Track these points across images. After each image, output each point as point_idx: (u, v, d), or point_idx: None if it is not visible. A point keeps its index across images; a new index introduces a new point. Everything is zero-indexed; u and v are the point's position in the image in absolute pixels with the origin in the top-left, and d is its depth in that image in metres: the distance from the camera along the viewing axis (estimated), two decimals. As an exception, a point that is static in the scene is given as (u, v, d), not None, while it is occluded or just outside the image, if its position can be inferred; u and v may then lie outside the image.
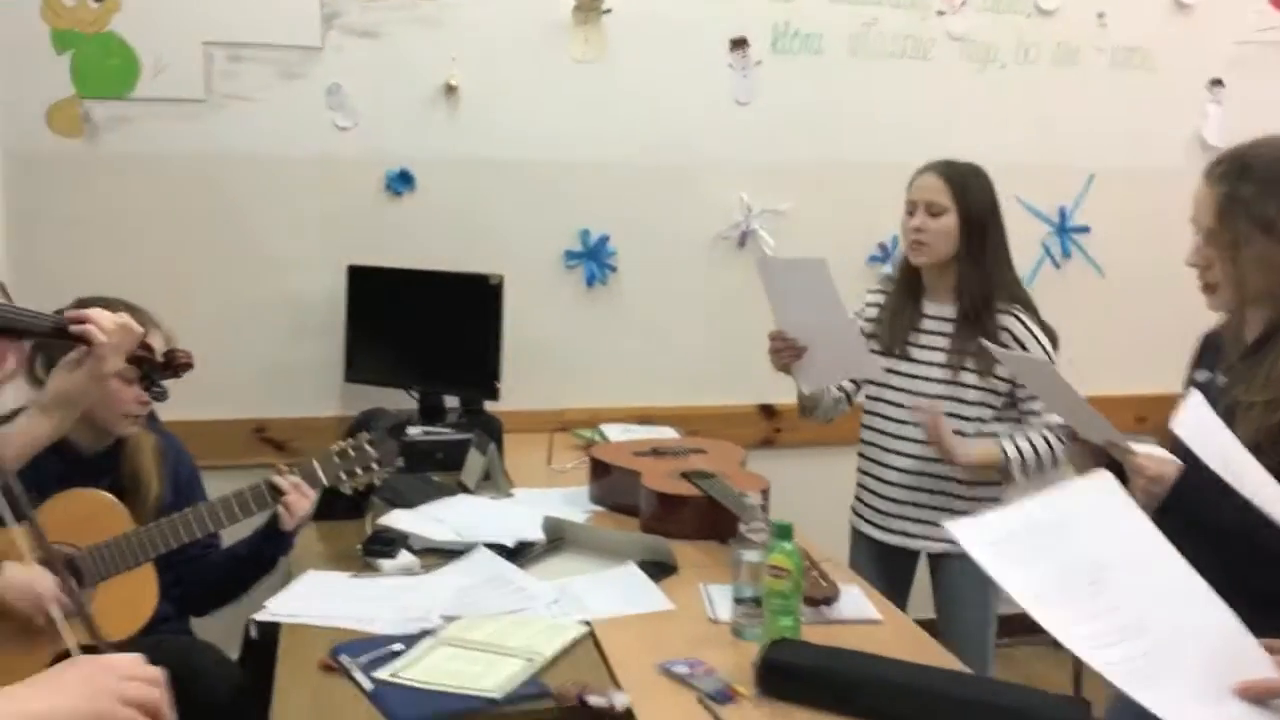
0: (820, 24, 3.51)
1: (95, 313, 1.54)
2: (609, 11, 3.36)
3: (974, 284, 2.53)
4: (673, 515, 2.45)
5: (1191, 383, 1.88)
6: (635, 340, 3.53)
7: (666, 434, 3.20)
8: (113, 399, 2.11)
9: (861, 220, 3.60)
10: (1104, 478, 1.44)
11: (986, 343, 2.45)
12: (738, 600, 1.92)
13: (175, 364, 1.71)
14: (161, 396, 1.70)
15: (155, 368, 1.67)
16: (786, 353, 2.55)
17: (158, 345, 1.94)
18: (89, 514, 2.11)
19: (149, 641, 2.11)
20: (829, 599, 2.00)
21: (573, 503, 2.68)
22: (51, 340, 1.57)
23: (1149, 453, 1.75)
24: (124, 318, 1.55)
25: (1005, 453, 2.48)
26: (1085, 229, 3.77)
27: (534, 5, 3.33)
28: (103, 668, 1.04)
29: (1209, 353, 1.91)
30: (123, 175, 3.14)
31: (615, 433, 3.21)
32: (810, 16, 3.50)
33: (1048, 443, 2.50)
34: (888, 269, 3.63)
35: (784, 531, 1.82)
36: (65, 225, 3.11)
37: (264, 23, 3.16)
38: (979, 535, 1.43)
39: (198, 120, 3.16)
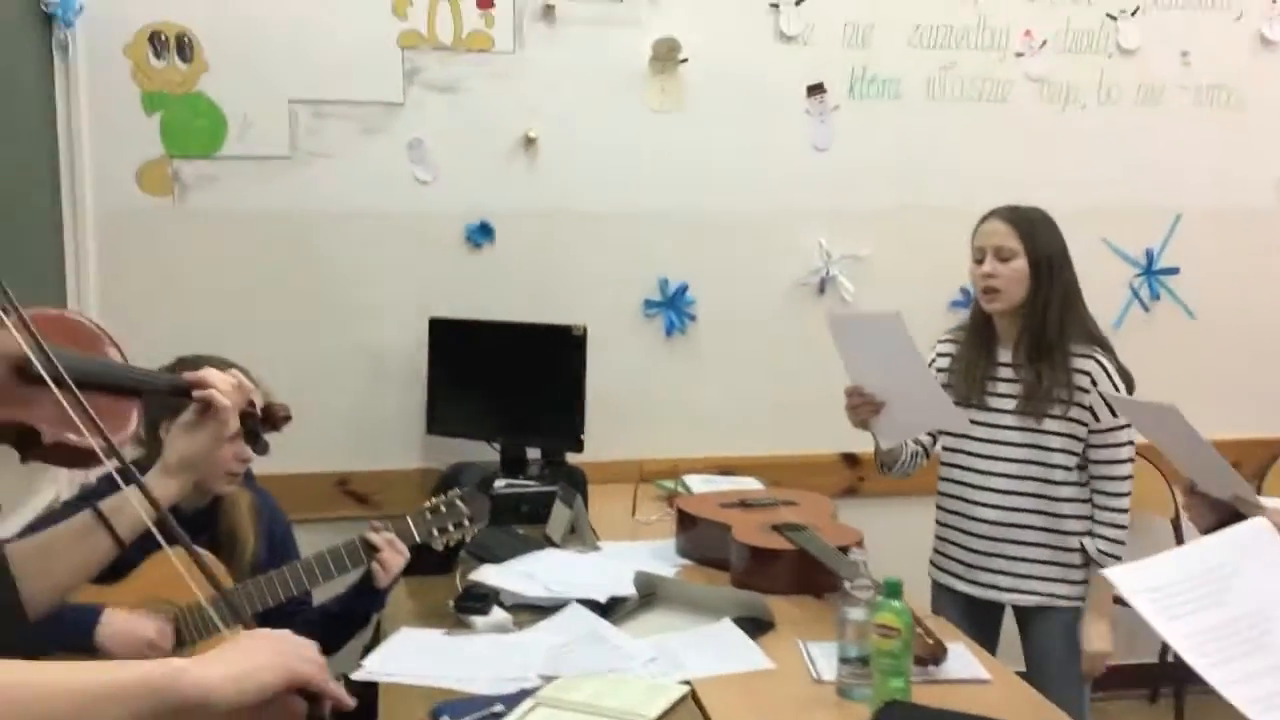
0: (897, 69, 3.49)
1: (211, 374, 1.54)
2: (685, 61, 3.37)
3: (1048, 328, 2.49)
4: (765, 569, 2.41)
5: None
6: (715, 389, 3.50)
7: (749, 484, 3.15)
8: (215, 458, 2.11)
9: (943, 264, 3.53)
10: (1263, 525, 1.39)
11: (1106, 392, 2.41)
12: (843, 660, 1.87)
13: (276, 419, 1.71)
14: (264, 451, 1.70)
15: (259, 423, 1.67)
16: (864, 408, 2.51)
17: (257, 400, 1.95)
18: (187, 572, 2.11)
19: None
20: (936, 658, 1.94)
21: (660, 556, 2.64)
22: (166, 401, 1.58)
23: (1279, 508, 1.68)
24: (239, 377, 1.56)
25: (1104, 573, 2.39)
26: (1174, 270, 3.69)
27: (611, 56, 3.35)
28: (281, 637, 1.09)
29: None
30: (210, 231, 3.19)
31: (698, 483, 3.17)
32: (887, 62, 3.48)
33: (1117, 525, 2.49)
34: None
35: (893, 589, 1.77)
36: (155, 281, 3.16)
37: (347, 80, 3.21)
38: (1138, 582, 1.38)
39: (283, 176, 3.21)
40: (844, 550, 2.30)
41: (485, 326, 3.21)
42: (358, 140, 3.24)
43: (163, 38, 3.10)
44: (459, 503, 2.30)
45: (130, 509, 1.41)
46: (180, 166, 3.15)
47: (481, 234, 3.32)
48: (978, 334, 2.63)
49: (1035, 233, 2.51)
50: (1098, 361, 2.48)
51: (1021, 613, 2.60)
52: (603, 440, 3.28)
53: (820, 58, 3.45)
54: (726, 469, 3.39)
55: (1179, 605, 1.34)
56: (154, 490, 1.33)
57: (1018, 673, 2.15)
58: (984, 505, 2.58)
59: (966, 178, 3.53)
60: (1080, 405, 2.48)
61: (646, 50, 3.34)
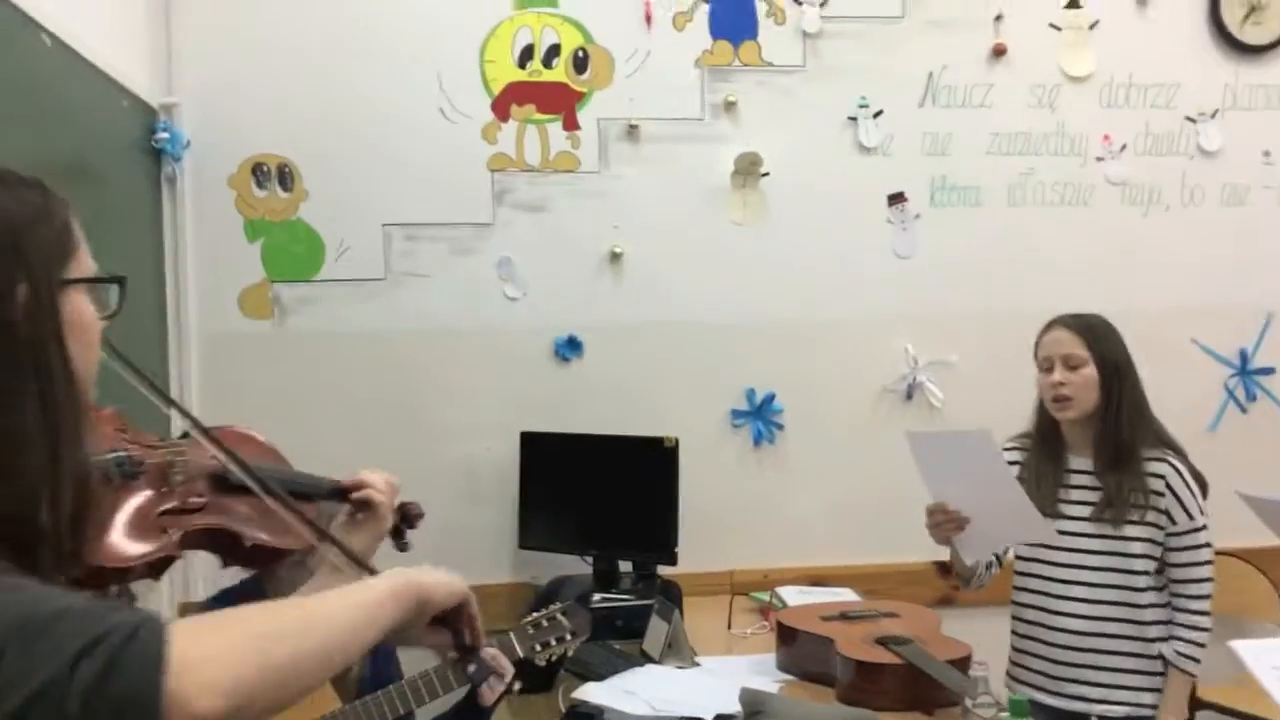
0: (977, 176, 3.53)
1: (367, 474, 1.58)
2: (767, 174, 3.43)
3: (1122, 432, 2.48)
4: (872, 684, 2.35)
5: None
6: (804, 498, 3.48)
7: (844, 595, 3.10)
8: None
9: (1030, 369, 3.50)
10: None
11: (1242, 492, 2.35)
12: (967, 780, 1.82)
13: (412, 516, 1.73)
14: (406, 549, 1.73)
15: (401, 521, 1.69)
16: (948, 525, 2.49)
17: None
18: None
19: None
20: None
21: (761, 671, 2.60)
22: (325, 505, 1.60)
23: None
24: (392, 477, 1.59)
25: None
26: (1270, 370, 3.62)
27: (693, 172, 3.42)
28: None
29: None
30: (308, 352, 3.27)
31: (792, 595, 3.13)
32: (967, 169, 3.52)
33: (1198, 628, 2.45)
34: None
35: (1019, 707, 1.73)
36: (255, 400, 3.23)
37: (439, 203, 3.31)
38: (1267, 658, 1.35)
39: (377, 298, 3.29)
40: (956, 664, 2.26)
41: (575, 439, 3.24)
42: (449, 260, 3.33)
43: (265, 168, 3.24)
44: (560, 617, 2.29)
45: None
46: (280, 290, 3.25)
47: (570, 348, 3.37)
48: (1046, 442, 2.63)
49: (1101, 339, 2.54)
50: (1170, 464, 2.48)
51: None
52: (693, 551, 3.25)
53: (900, 167, 3.50)
54: (818, 579, 3.34)
55: None
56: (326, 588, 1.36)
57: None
58: (1067, 615, 2.54)
59: (1051, 281, 3.52)
60: (1156, 509, 2.47)
61: (728, 165, 3.41)
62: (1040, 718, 2.56)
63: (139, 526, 1.27)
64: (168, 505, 1.31)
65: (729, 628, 2.99)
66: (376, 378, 3.30)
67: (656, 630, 2.72)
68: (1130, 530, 2.48)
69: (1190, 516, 2.45)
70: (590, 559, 3.21)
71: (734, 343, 3.44)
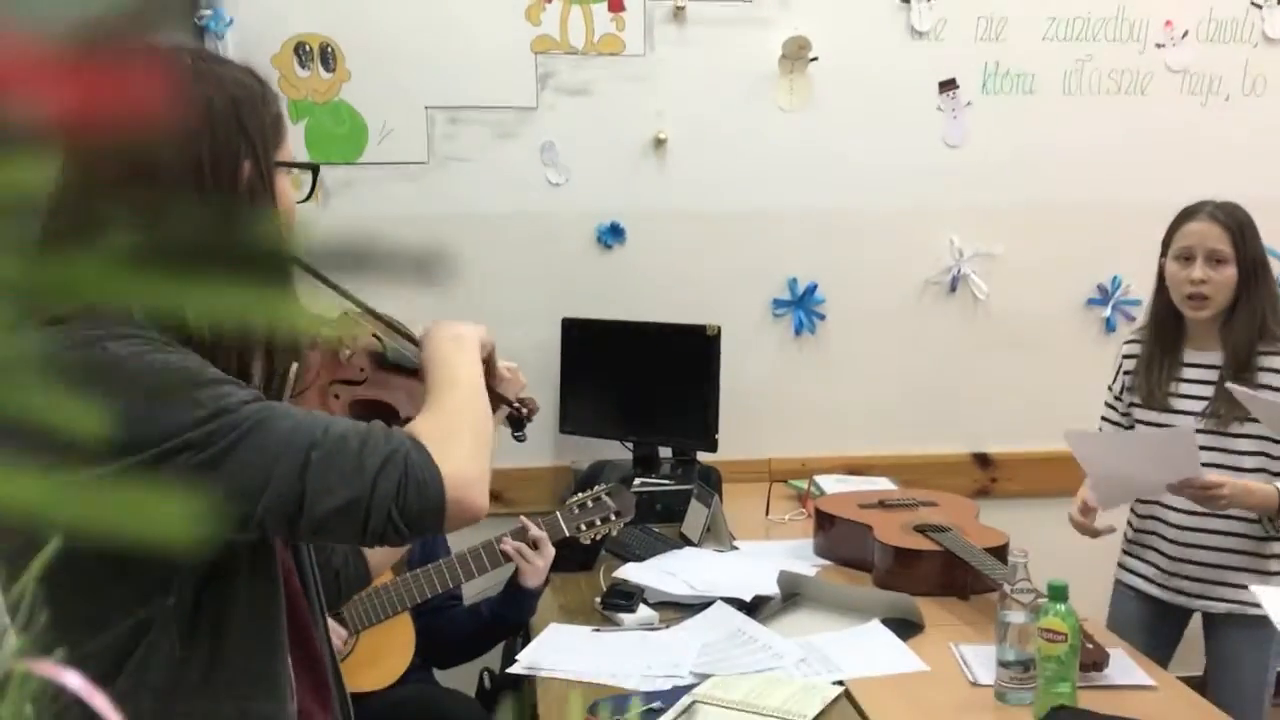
0: (1032, 63, 3.43)
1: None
2: (815, 59, 3.35)
3: (1245, 332, 2.38)
4: (909, 570, 2.39)
5: None
6: (844, 388, 3.48)
7: (882, 485, 3.13)
8: None
9: (1079, 262, 3.49)
10: None
11: (1232, 385, 2.31)
12: (1002, 664, 1.85)
13: (532, 410, 1.77)
14: (523, 439, 1.76)
15: (519, 412, 1.74)
16: (1086, 527, 2.49)
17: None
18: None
19: (407, 690, 2.18)
20: (1098, 664, 1.91)
21: (799, 556, 2.65)
22: None
23: None
24: (514, 365, 1.65)
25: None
26: (1326, 267, 3.55)
27: (740, 56, 3.35)
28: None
29: None
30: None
31: (830, 483, 3.16)
32: (1021, 55, 3.42)
33: None
34: (1106, 313, 3.51)
35: (1058, 592, 1.75)
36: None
37: (482, 86, 3.26)
38: None
39: (420, 181, 3.28)
40: (993, 552, 2.28)
41: (617, 326, 3.24)
42: (492, 145, 3.30)
43: (307, 48, 3.20)
44: (606, 497, 2.34)
45: None
46: (324, 173, 3.22)
47: (612, 235, 3.36)
48: (1164, 331, 2.51)
49: (1246, 236, 2.40)
50: None
51: (1209, 619, 2.52)
52: (732, 439, 3.27)
53: (952, 53, 3.40)
54: (855, 468, 3.36)
55: None
56: None
57: (1192, 678, 2.10)
58: (1174, 509, 2.48)
59: (1104, 174, 3.45)
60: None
61: (776, 49, 3.34)
62: (1147, 609, 2.57)
63: (315, 393, 1.41)
64: (338, 376, 1.45)
65: (767, 514, 3.03)
66: (419, 262, 3.30)
67: (696, 514, 2.77)
68: (1240, 428, 2.38)
69: None
70: (630, 444, 3.25)
71: (777, 231, 3.41)
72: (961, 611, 2.26)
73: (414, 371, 1.54)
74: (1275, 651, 2.43)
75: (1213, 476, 2.27)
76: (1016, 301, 3.48)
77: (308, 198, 1.31)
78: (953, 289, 3.48)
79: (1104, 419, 2.70)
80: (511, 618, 2.36)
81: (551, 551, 2.31)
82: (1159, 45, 3.46)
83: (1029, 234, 3.46)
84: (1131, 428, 2.61)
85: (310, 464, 1.08)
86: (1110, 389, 2.69)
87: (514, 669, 2.07)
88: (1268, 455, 2.38)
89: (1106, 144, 3.46)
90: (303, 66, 3.21)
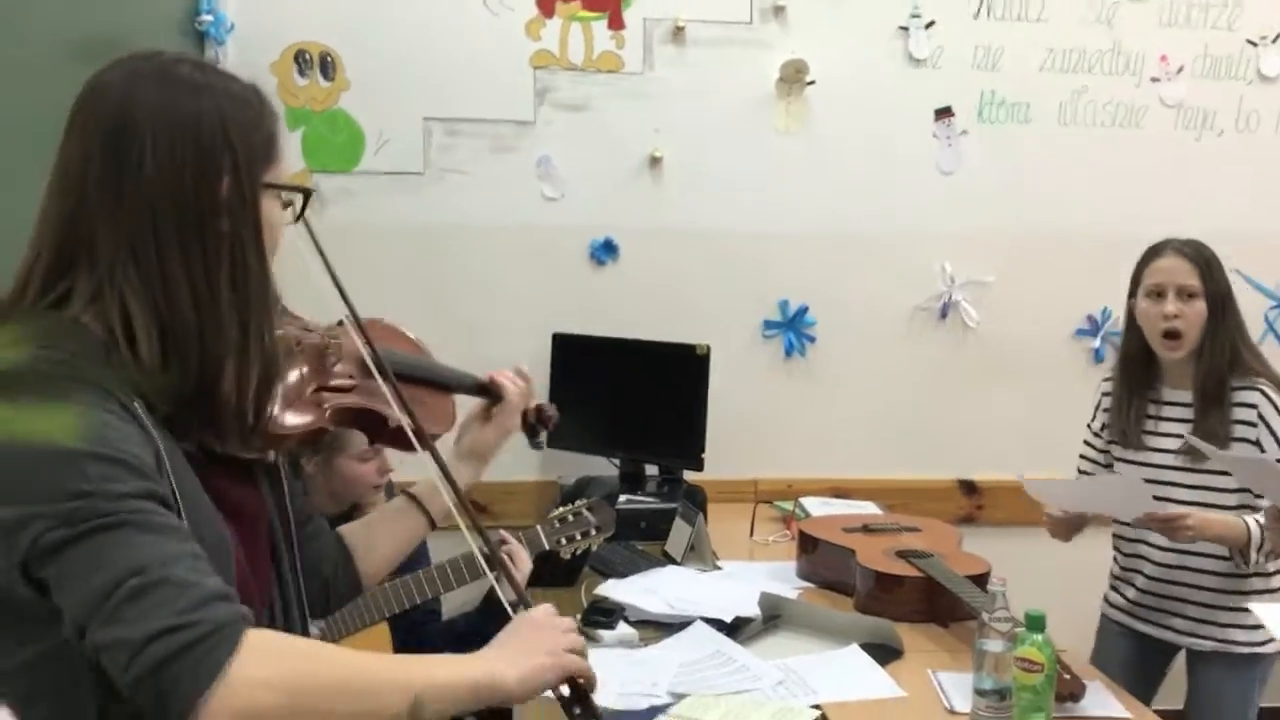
0: (1028, 93, 3.45)
1: (500, 372, 1.68)
2: (813, 83, 3.37)
3: (1218, 367, 2.40)
4: (890, 596, 2.38)
5: None
6: (832, 412, 3.49)
7: (867, 509, 3.13)
8: (360, 478, 2.22)
9: (1069, 292, 3.50)
10: None
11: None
12: (979, 692, 1.84)
13: (547, 417, 1.77)
14: (540, 447, 1.82)
15: (536, 421, 1.75)
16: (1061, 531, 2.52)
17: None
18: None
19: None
20: (1075, 695, 1.90)
21: (780, 578, 2.64)
22: (469, 395, 1.69)
23: None
24: (526, 377, 1.68)
25: (1249, 528, 2.31)
26: (1312, 304, 3.58)
27: (738, 78, 3.37)
28: (552, 628, 1.29)
29: None
30: (345, 244, 3.24)
31: (815, 506, 3.16)
32: (1018, 85, 3.44)
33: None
34: (1095, 343, 3.52)
35: (1036, 622, 1.75)
36: (288, 292, 3.25)
37: (480, 99, 3.28)
38: None
39: (416, 192, 3.29)
40: (974, 580, 2.28)
41: (607, 343, 3.25)
42: (488, 157, 3.31)
43: (307, 56, 3.21)
44: (586, 512, 2.34)
45: (438, 493, 1.58)
46: (320, 181, 3.25)
47: (606, 251, 3.37)
48: (1136, 369, 2.54)
49: (1215, 271, 2.42)
50: (1263, 392, 2.38)
51: (1193, 655, 2.53)
52: (719, 458, 3.28)
53: (949, 81, 3.43)
54: (841, 492, 3.37)
55: None
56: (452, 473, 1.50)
57: (1172, 712, 2.10)
58: (1159, 547, 2.50)
59: (1096, 205, 3.47)
60: (1247, 440, 2.37)
61: (774, 72, 3.36)
62: (1131, 644, 2.58)
63: (297, 400, 1.38)
64: (322, 383, 1.42)
65: (751, 534, 3.02)
66: (412, 272, 3.31)
67: (680, 533, 2.77)
68: (1216, 464, 2.35)
69: None
70: (617, 461, 3.25)
71: (770, 253, 3.42)
72: (941, 638, 2.25)
73: (417, 381, 1.56)
74: (1258, 690, 2.44)
75: (1174, 510, 2.28)
76: (1006, 330, 3.49)
77: (298, 219, 1.29)
78: (943, 315, 3.49)
79: (1083, 456, 2.71)
80: (489, 631, 2.34)
81: (529, 565, 2.30)
82: (1154, 79, 3.49)
83: (1020, 263, 3.48)
84: (1110, 465, 2.63)
85: (119, 589, 1.00)
86: (1089, 426, 2.70)
87: (491, 683, 2.05)
88: (1249, 491, 2.38)
89: (1100, 175, 3.48)
90: (302, 74, 3.22)
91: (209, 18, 3.07)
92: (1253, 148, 3.53)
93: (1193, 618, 2.46)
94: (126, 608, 1.00)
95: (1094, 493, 2.49)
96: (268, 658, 1.04)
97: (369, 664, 1.11)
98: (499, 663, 1.21)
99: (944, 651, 2.17)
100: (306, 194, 1.30)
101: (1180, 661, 2.59)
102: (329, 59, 3.22)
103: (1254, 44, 3.50)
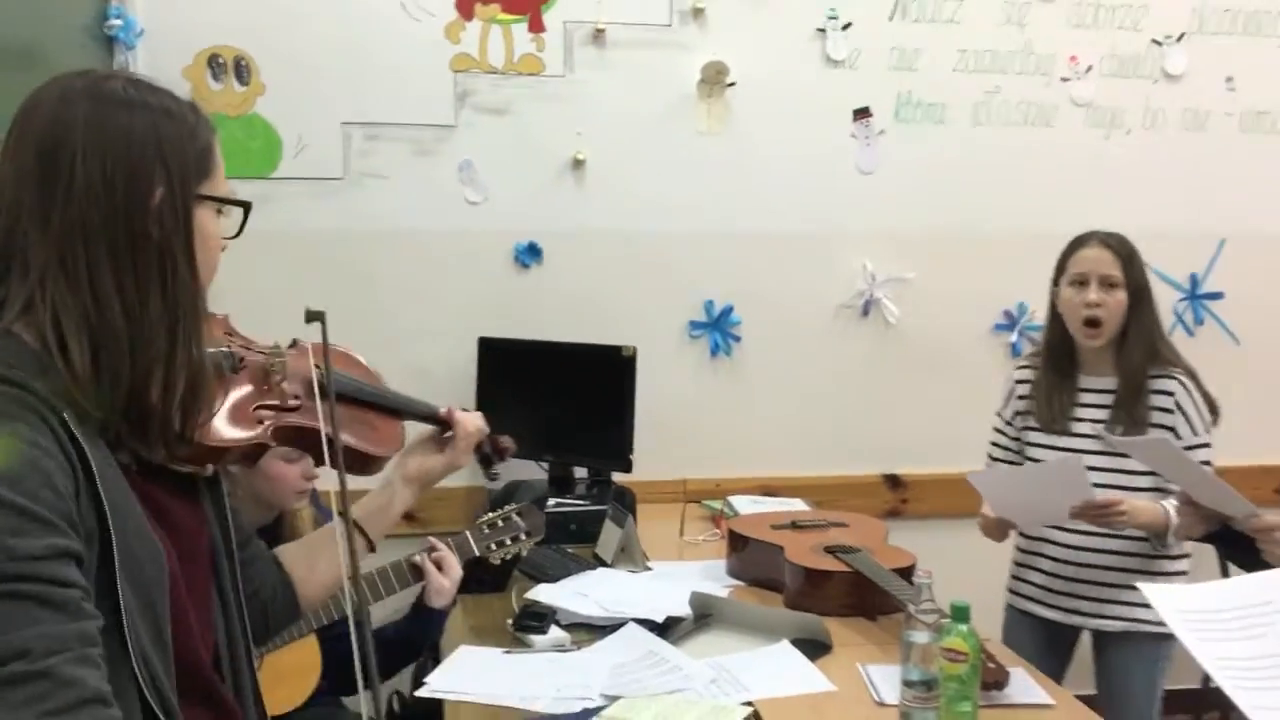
0: (943, 93, 3.51)
1: (462, 412, 1.71)
2: (733, 84, 3.39)
3: (1137, 356, 2.48)
4: (819, 591, 2.41)
5: None
6: (759, 410, 3.51)
7: (795, 506, 3.16)
8: (284, 479, 2.18)
9: (987, 288, 3.57)
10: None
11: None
12: (906, 683, 1.87)
13: (503, 449, 1.84)
14: (496, 479, 1.88)
15: (493, 453, 1.82)
16: (997, 532, 2.61)
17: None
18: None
19: (312, 713, 2.14)
20: (999, 683, 1.95)
21: (711, 576, 2.66)
22: (420, 423, 1.72)
23: None
24: (482, 419, 1.71)
25: (1169, 513, 2.39)
26: (1218, 295, 3.69)
27: (658, 80, 3.38)
28: None
29: None
30: (263, 251, 3.20)
31: (743, 504, 3.18)
32: (933, 86, 3.50)
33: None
34: (1012, 338, 3.59)
35: (961, 613, 1.78)
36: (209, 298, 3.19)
37: (400, 103, 3.25)
38: (1172, 602, 1.42)
39: (335, 197, 3.25)
40: (901, 573, 2.32)
41: (533, 346, 3.24)
42: (409, 162, 3.28)
43: (220, 60, 3.15)
44: (516, 517, 2.33)
45: (377, 515, 1.65)
46: (236, 187, 3.16)
47: (530, 255, 3.35)
48: (1059, 358, 2.61)
49: (1135, 262, 2.52)
50: (1180, 381, 2.48)
51: (1100, 638, 2.60)
52: (647, 459, 3.28)
53: (866, 82, 3.47)
54: (770, 489, 3.40)
55: (1209, 631, 1.37)
56: (396, 499, 1.64)
57: (1087, 696, 2.16)
58: (1067, 530, 2.57)
59: (1011, 202, 3.55)
60: (1164, 426, 2.47)
61: (695, 73, 3.37)
62: (1032, 629, 2.64)
63: (238, 415, 1.37)
64: (265, 401, 1.42)
65: (681, 534, 3.04)
66: (334, 279, 3.26)
67: (610, 535, 2.77)
68: None
69: (1195, 433, 2.45)
70: (546, 464, 3.24)
71: (694, 253, 3.44)
72: (869, 631, 2.29)
73: (365, 404, 1.58)
74: (1164, 668, 2.51)
75: (1109, 496, 2.35)
76: (927, 326, 3.55)
77: (237, 234, 1.29)
78: (865, 313, 3.54)
79: (994, 444, 2.78)
80: (418, 638, 2.33)
81: (459, 571, 2.29)
82: (1064, 79, 3.57)
83: (939, 260, 3.54)
84: (1021, 452, 2.69)
85: None
86: (1000, 415, 2.77)
87: (422, 692, 2.04)
88: (1161, 475, 2.47)
89: (1014, 173, 3.56)
90: (216, 79, 3.16)
91: (118, 22, 2.99)
92: (1159, 145, 3.63)
93: (1100, 599, 2.55)
94: (2, 691, 0.98)
95: (1034, 479, 2.54)
96: None
97: None
98: None
99: (873, 644, 2.20)
100: (246, 207, 1.31)
101: (1086, 647, 2.67)
102: (244, 63, 3.16)
103: (1159, 43, 3.60)
